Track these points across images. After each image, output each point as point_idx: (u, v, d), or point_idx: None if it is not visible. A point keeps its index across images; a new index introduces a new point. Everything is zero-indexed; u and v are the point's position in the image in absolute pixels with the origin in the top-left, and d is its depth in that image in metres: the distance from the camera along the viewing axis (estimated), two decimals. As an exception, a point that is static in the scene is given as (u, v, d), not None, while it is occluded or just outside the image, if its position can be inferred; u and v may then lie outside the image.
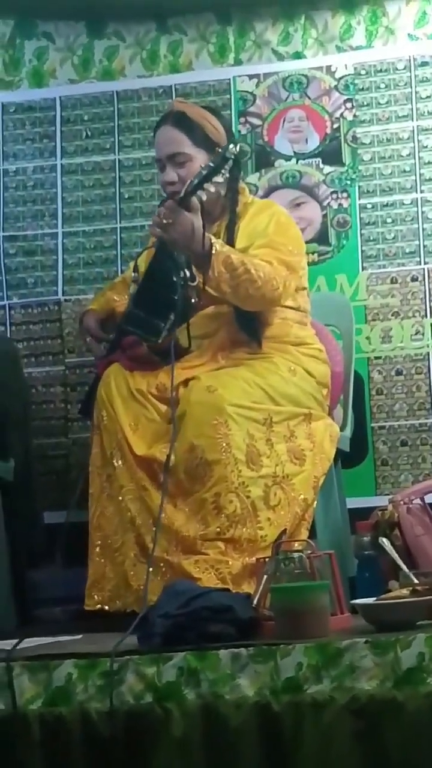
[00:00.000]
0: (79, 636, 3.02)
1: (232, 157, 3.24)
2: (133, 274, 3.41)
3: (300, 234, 3.52)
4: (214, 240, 3.24)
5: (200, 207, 3.23)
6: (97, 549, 3.24)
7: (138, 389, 3.28)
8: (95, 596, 3.22)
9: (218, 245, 3.23)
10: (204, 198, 3.23)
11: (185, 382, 3.24)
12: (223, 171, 3.22)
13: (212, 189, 3.22)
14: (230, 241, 3.38)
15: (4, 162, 4.48)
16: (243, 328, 3.37)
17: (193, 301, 3.28)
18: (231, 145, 3.24)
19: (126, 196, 4.42)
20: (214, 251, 3.20)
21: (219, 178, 3.23)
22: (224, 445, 3.10)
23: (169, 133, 3.44)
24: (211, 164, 3.21)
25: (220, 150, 3.25)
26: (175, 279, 3.22)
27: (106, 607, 3.19)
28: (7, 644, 2.68)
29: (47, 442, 4.32)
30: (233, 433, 3.11)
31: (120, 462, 3.21)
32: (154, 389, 3.28)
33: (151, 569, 2.99)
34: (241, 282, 3.23)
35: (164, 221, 3.21)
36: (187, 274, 3.25)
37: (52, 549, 3.49)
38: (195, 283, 3.26)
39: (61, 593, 3.59)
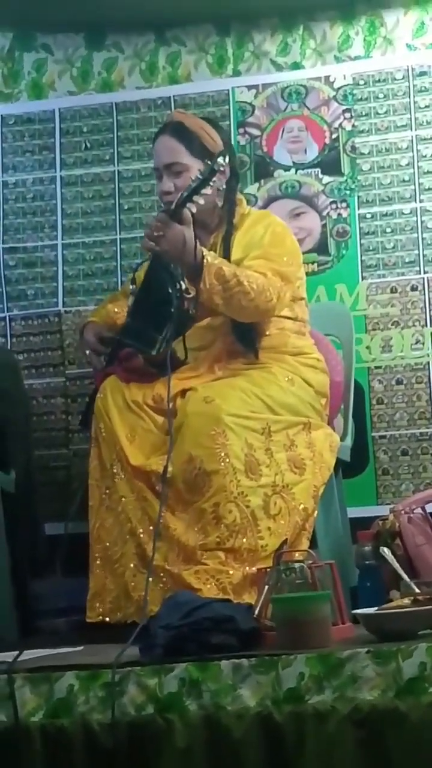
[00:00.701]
0: (81, 647, 3.01)
1: (221, 169, 3.24)
2: (131, 287, 3.41)
3: (296, 244, 3.52)
4: (205, 252, 3.24)
5: (192, 219, 3.23)
6: (98, 561, 3.24)
7: (134, 401, 3.28)
8: (97, 608, 3.22)
9: (210, 257, 3.24)
10: (194, 210, 3.23)
11: (182, 393, 3.24)
12: (212, 183, 3.22)
13: (201, 201, 3.23)
14: (226, 252, 3.38)
15: (4, 174, 4.49)
16: (239, 339, 3.38)
17: (190, 312, 3.28)
18: (220, 158, 3.24)
19: (125, 207, 4.43)
20: (205, 263, 3.21)
21: (208, 190, 3.23)
22: (222, 455, 3.10)
23: (167, 143, 3.45)
24: (200, 176, 3.21)
25: (209, 162, 3.25)
26: (170, 291, 3.22)
27: (107, 619, 3.19)
28: (9, 656, 2.67)
29: (48, 454, 4.32)
30: (231, 443, 3.11)
31: (119, 473, 3.21)
32: (150, 400, 3.28)
33: (150, 579, 2.99)
34: (233, 294, 3.24)
35: (155, 234, 3.21)
36: (183, 286, 3.25)
37: (54, 560, 3.48)
38: (191, 296, 3.27)
39: (63, 604, 3.59)
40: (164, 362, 3.21)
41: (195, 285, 3.23)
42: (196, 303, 3.29)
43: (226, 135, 3.58)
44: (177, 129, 3.45)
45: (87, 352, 3.61)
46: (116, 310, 3.61)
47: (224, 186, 3.43)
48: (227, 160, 3.33)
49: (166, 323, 3.23)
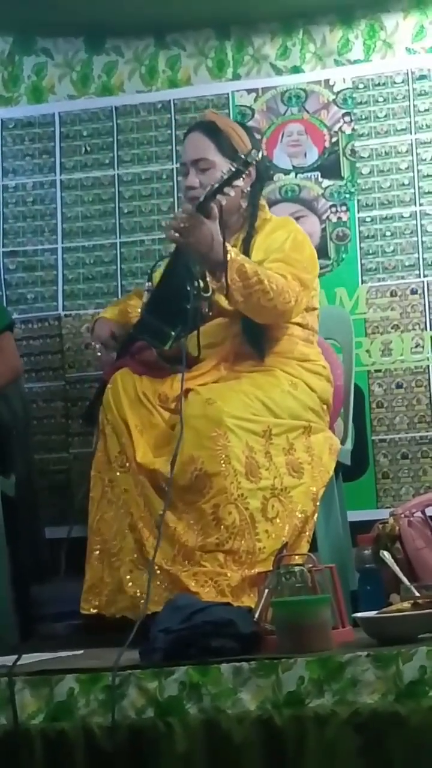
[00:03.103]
0: (81, 651, 3.01)
1: (255, 161, 3.26)
2: (147, 284, 3.42)
3: (315, 254, 3.52)
4: (229, 248, 3.25)
5: (219, 214, 3.24)
6: (96, 553, 3.24)
7: (144, 393, 3.29)
8: (91, 600, 3.22)
9: (233, 253, 3.25)
10: (224, 202, 3.23)
11: (185, 392, 3.24)
12: (244, 176, 3.24)
13: (232, 193, 3.23)
14: (246, 255, 3.38)
15: (4, 178, 4.49)
16: (249, 341, 3.38)
17: (205, 311, 3.29)
18: (254, 150, 3.27)
19: (125, 211, 4.43)
20: (229, 258, 3.21)
21: (240, 182, 3.24)
22: (224, 456, 3.10)
23: (197, 139, 3.48)
24: (233, 169, 3.22)
25: (242, 156, 3.26)
26: (188, 288, 3.22)
27: (102, 612, 3.18)
28: (9, 660, 2.67)
29: (48, 457, 4.32)
30: (232, 445, 3.12)
31: (124, 465, 3.22)
32: (156, 398, 3.29)
33: (151, 577, 2.99)
34: (253, 292, 3.24)
35: (182, 225, 3.21)
36: (201, 284, 3.26)
37: (54, 564, 3.49)
38: (208, 294, 3.27)
39: (63, 608, 3.59)
40: (176, 357, 3.21)
41: (217, 280, 3.24)
42: (211, 303, 3.29)
43: (256, 139, 3.61)
44: (208, 127, 3.49)
45: (97, 346, 3.61)
46: (131, 307, 3.62)
47: (249, 189, 3.44)
48: (261, 154, 3.35)
49: (181, 320, 3.23)
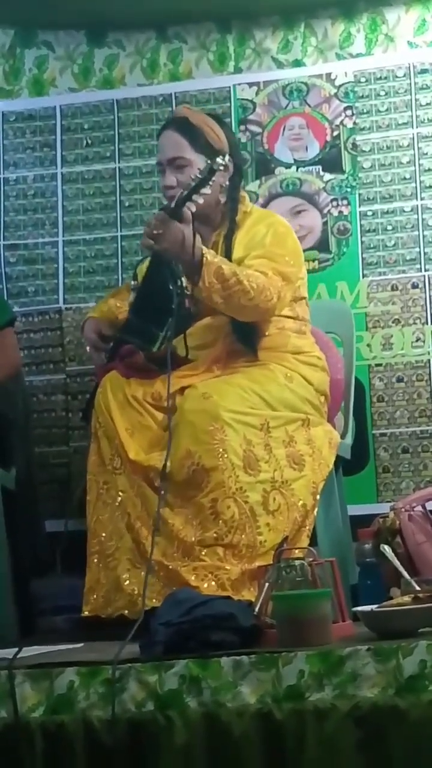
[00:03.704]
0: (81, 644, 3.01)
1: (220, 169, 3.23)
2: (132, 282, 3.41)
3: (298, 244, 3.51)
4: (205, 250, 3.24)
5: (191, 218, 3.23)
6: (95, 555, 3.24)
7: (134, 396, 3.28)
8: (92, 602, 3.22)
9: (209, 255, 3.23)
10: (193, 209, 3.22)
11: (181, 391, 3.24)
12: (211, 183, 3.22)
13: (200, 201, 3.23)
14: (228, 251, 3.38)
15: (5, 171, 4.49)
16: (240, 339, 3.37)
17: (191, 310, 3.28)
18: (219, 158, 3.23)
19: (126, 205, 4.43)
20: (205, 261, 3.20)
21: (207, 190, 3.22)
22: (221, 450, 3.10)
23: (171, 137, 3.45)
24: (199, 176, 3.21)
25: (208, 162, 3.25)
26: (171, 288, 3.21)
27: (99, 614, 3.19)
28: (9, 653, 2.68)
29: (48, 451, 4.32)
30: (230, 439, 3.12)
31: (118, 468, 3.22)
32: (149, 398, 3.28)
33: (148, 574, 2.99)
34: (233, 293, 3.23)
35: (155, 232, 3.20)
36: (184, 282, 3.25)
37: (54, 558, 3.49)
38: (192, 293, 3.26)
39: (63, 602, 3.58)
40: (165, 359, 3.21)
41: (194, 283, 3.23)
42: (196, 300, 3.28)
43: (232, 132, 3.58)
44: (181, 124, 3.46)
45: (87, 348, 3.61)
46: (118, 304, 3.61)
47: (227, 183, 3.42)
48: (227, 159, 3.33)
49: (167, 320, 3.22)
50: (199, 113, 3.59)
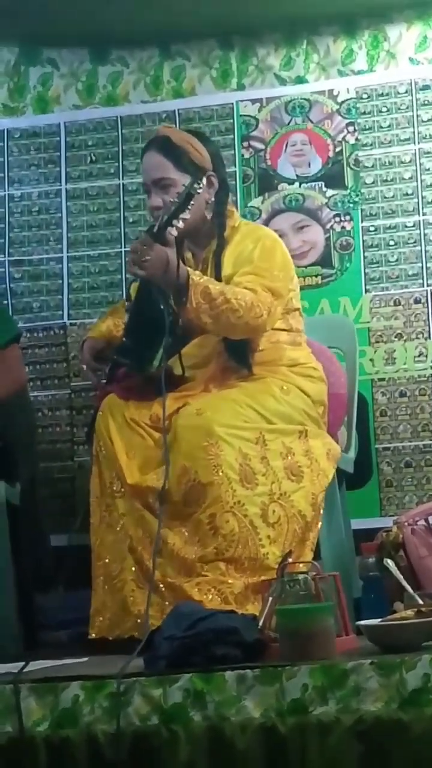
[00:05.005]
0: (86, 659, 3.02)
1: (198, 192, 3.21)
2: (126, 304, 3.41)
3: (287, 256, 3.46)
4: (190, 271, 3.22)
5: (174, 241, 3.20)
6: (100, 578, 3.24)
7: (132, 418, 3.27)
8: (98, 625, 3.22)
9: (195, 276, 3.21)
10: (175, 233, 3.19)
11: (178, 411, 3.24)
12: (189, 207, 3.18)
13: (181, 224, 3.18)
14: (218, 267, 3.37)
15: (9, 187, 4.51)
16: (233, 356, 3.36)
17: (180, 330, 3.26)
18: (195, 183, 3.21)
19: (130, 221, 4.45)
20: (191, 283, 3.18)
21: (186, 215, 3.18)
22: (216, 465, 3.10)
23: (154, 159, 3.42)
24: (177, 201, 3.18)
25: (184, 185, 3.24)
26: (162, 308, 3.19)
27: (106, 636, 3.18)
28: (14, 667, 2.68)
29: (53, 466, 4.33)
30: (225, 453, 3.11)
31: (119, 491, 3.22)
32: (147, 420, 3.27)
33: (151, 594, 2.99)
34: (221, 312, 3.21)
35: (143, 259, 3.15)
36: (173, 303, 3.24)
37: (59, 572, 3.49)
38: (179, 314, 3.24)
39: (68, 617, 3.59)
40: (161, 380, 3.20)
41: (181, 306, 3.20)
42: (184, 321, 3.27)
43: (215, 148, 3.56)
44: (163, 144, 3.42)
45: (83, 367, 3.60)
46: (116, 323, 3.60)
47: (213, 199, 3.42)
48: (204, 182, 3.31)
49: (161, 341, 3.20)
50: (179, 131, 3.57)
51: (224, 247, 3.40)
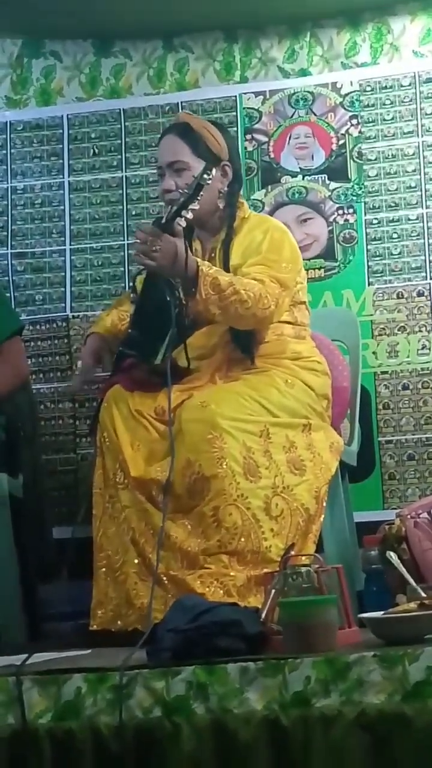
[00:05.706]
0: (88, 651, 3.02)
1: (207, 183, 3.23)
2: (131, 295, 3.41)
3: (295, 248, 3.48)
4: (200, 262, 3.22)
5: (182, 232, 3.21)
6: (102, 570, 3.24)
7: (137, 410, 3.28)
8: (99, 616, 3.22)
9: (204, 267, 3.22)
10: (183, 224, 3.21)
11: (182, 404, 3.24)
12: (198, 198, 3.20)
13: (190, 215, 3.21)
14: (226, 257, 3.38)
15: (13, 179, 4.51)
16: (238, 346, 3.37)
17: (187, 321, 3.27)
18: (206, 174, 3.24)
19: (133, 213, 4.45)
20: (200, 273, 3.19)
21: (196, 206, 3.21)
22: (220, 458, 3.10)
23: (171, 142, 3.45)
24: (187, 191, 3.20)
25: (194, 177, 3.25)
26: (168, 299, 3.20)
27: (110, 628, 3.19)
28: (17, 659, 2.69)
29: (56, 458, 4.34)
30: (229, 446, 3.12)
31: (122, 482, 3.22)
32: (152, 412, 3.28)
33: (154, 586, 3.00)
34: (230, 303, 3.22)
35: (153, 248, 3.15)
36: (181, 294, 3.24)
37: (62, 564, 3.50)
38: (188, 305, 3.25)
39: (71, 608, 3.60)
40: (167, 372, 3.20)
41: (190, 296, 3.21)
42: (192, 311, 3.27)
43: (232, 140, 3.59)
44: (182, 129, 3.46)
45: (80, 362, 3.59)
46: (120, 316, 3.60)
47: (226, 189, 3.43)
48: (216, 172, 3.33)
49: (167, 332, 3.20)
50: (199, 119, 3.60)
51: (233, 237, 3.42)
